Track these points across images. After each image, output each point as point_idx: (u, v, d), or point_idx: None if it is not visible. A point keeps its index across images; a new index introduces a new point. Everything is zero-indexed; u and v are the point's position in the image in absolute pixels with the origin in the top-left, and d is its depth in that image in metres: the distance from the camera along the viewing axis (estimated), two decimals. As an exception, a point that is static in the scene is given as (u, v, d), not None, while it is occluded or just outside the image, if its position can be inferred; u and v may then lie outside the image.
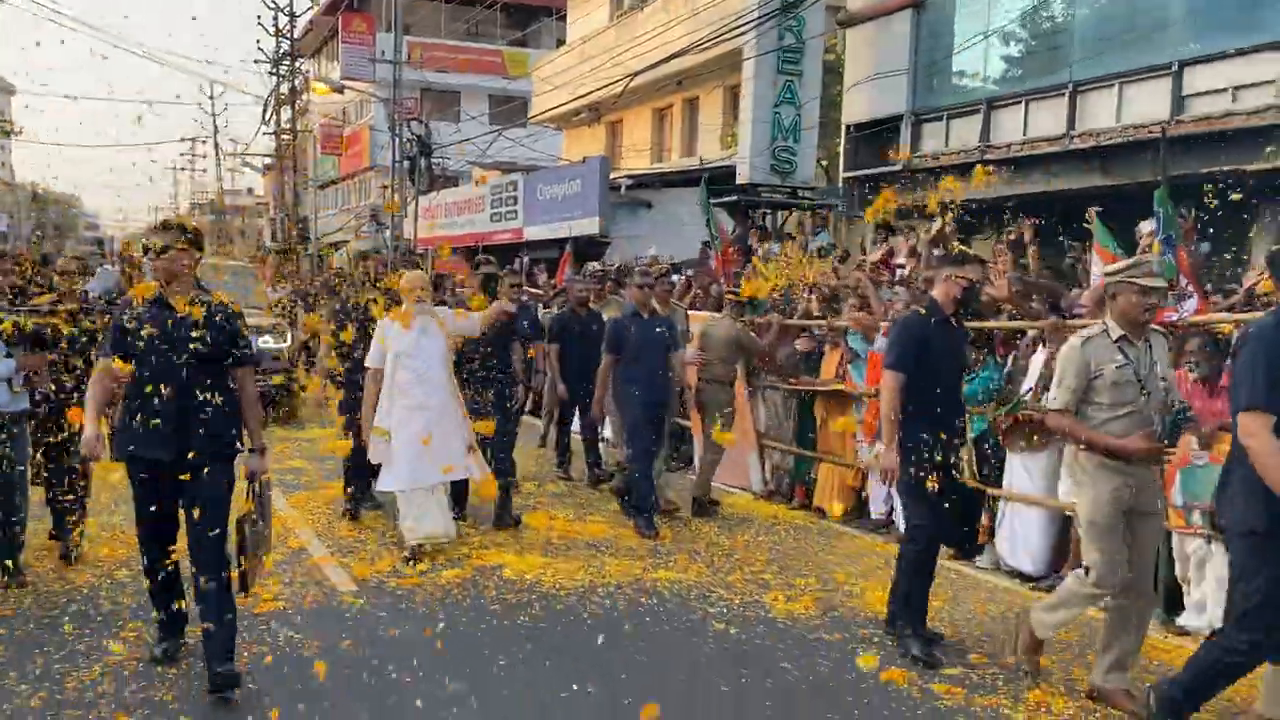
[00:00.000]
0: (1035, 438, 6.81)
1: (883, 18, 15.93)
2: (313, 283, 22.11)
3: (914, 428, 5.12)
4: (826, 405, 8.63)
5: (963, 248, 7.15)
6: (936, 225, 7.74)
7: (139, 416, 4.45)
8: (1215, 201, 6.77)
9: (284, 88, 37.68)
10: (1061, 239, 9.52)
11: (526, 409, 10.14)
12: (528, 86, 31.88)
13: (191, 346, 4.46)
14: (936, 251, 8.12)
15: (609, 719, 4.41)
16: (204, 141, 55.12)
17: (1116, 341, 4.60)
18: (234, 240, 47.22)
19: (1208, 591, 5.71)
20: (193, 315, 4.51)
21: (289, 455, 10.17)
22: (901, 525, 6.80)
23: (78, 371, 6.16)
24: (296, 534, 7.24)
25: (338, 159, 44.77)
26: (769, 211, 19.57)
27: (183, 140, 69.64)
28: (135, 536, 4.77)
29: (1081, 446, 4.67)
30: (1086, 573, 4.62)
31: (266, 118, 39.72)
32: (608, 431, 9.84)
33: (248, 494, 4.73)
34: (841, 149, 17.28)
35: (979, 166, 6.49)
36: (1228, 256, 8.52)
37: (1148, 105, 11.77)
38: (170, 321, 4.48)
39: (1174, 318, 5.87)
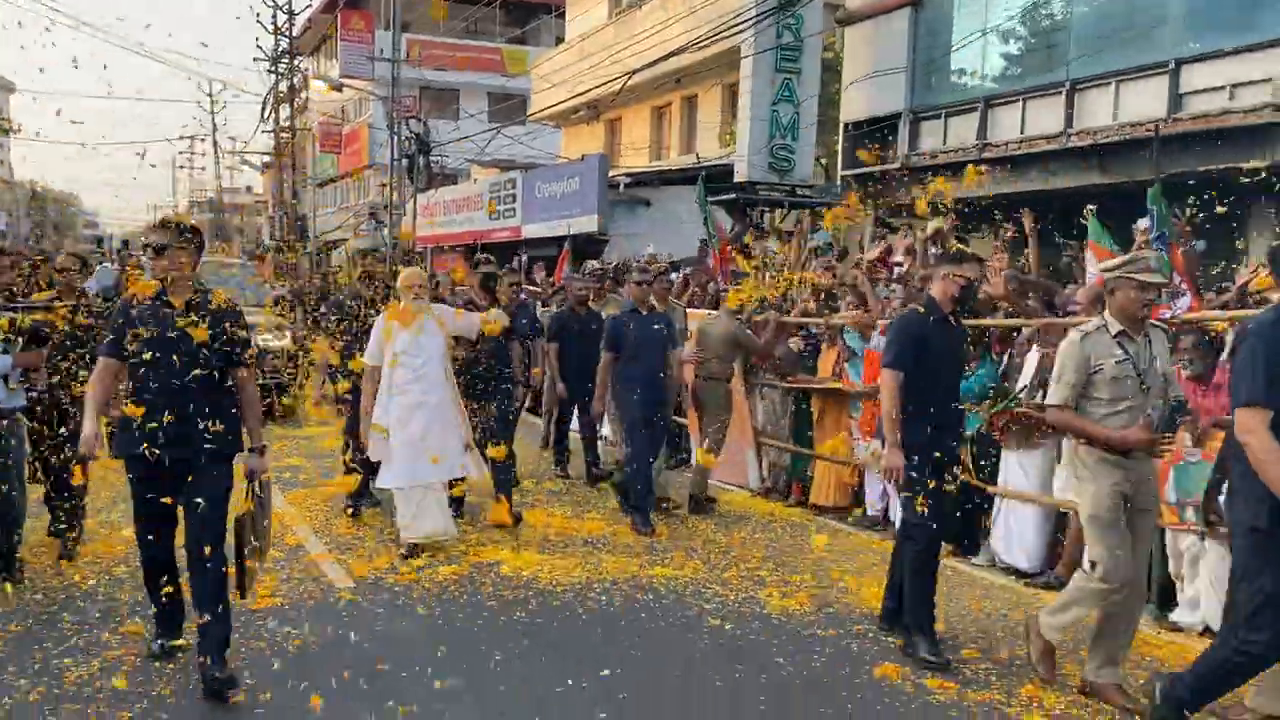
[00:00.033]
0: (1031, 435, 6.84)
1: (881, 16, 15.98)
2: (310, 280, 22.14)
3: (913, 426, 5.11)
4: (823, 403, 8.66)
5: (960, 246, 7.19)
6: (934, 224, 7.75)
7: (139, 414, 4.44)
8: (1212, 199, 6.80)
9: (283, 86, 37.69)
10: (1058, 238, 9.55)
11: (526, 406, 10.17)
12: (527, 84, 31.89)
13: (191, 345, 4.45)
14: (934, 250, 8.15)
15: (604, 713, 4.43)
16: (203, 139, 55.11)
17: (1116, 337, 4.62)
18: (233, 238, 47.27)
19: (1201, 588, 5.75)
20: (193, 313, 4.50)
21: (287, 453, 10.19)
22: (898, 522, 6.84)
23: (69, 368, 6.16)
24: (294, 531, 7.27)
25: (336, 157, 44.81)
26: (766, 210, 19.59)
27: (182, 138, 69.60)
28: (133, 534, 4.77)
29: (1082, 441, 4.68)
30: (1092, 568, 4.62)
31: (265, 116, 39.78)
32: (606, 430, 9.86)
33: (247, 493, 4.72)
34: (840, 147, 17.30)
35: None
36: (1225, 255, 8.55)
37: (1145, 104, 11.82)
38: (170, 320, 4.48)
39: (1167, 315, 5.89)
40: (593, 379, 8.25)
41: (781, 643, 5.34)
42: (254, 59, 38.09)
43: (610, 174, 21.55)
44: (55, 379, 6.12)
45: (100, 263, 16.28)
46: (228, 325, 4.58)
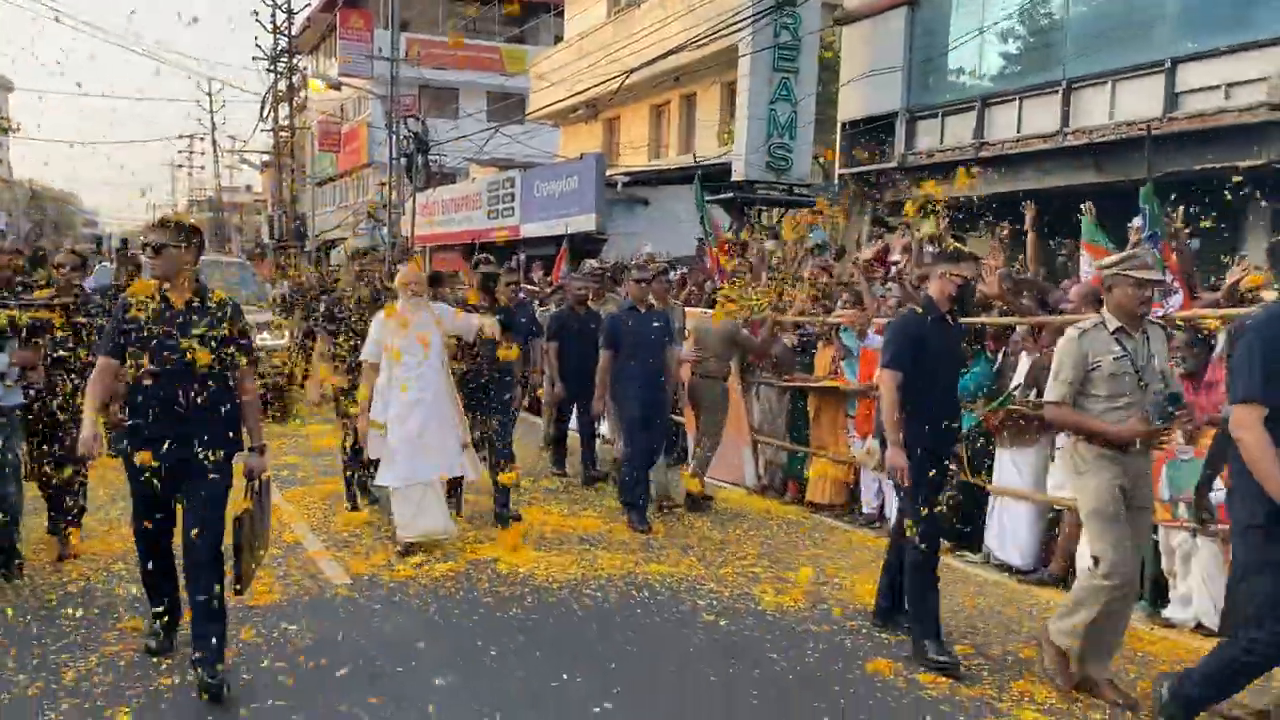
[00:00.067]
0: (1025, 433, 6.88)
1: (878, 15, 16.00)
2: (309, 278, 22.16)
3: (912, 426, 5.11)
4: (819, 401, 8.69)
5: (957, 245, 7.21)
6: (927, 226, 7.79)
7: (138, 413, 4.45)
8: (1208, 198, 6.83)
9: (282, 84, 37.71)
10: (1054, 237, 9.59)
11: (525, 406, 10.16)
12: (526, 83, 31.91)
13: (191, 343, 4.45)
14: (930, 249, 8.18)
15: (599, 708, 4.46)
16: (202, 138, 55.09)
17: (1114, 334, 4.64)
18: (232, 237, 47.27)
19: (1193, 585, 5.79)
20: (193, 312, 4.51)
21: (285, 451, 10.22)
22: (893, 520, 6.87)
23: (65, 365, 6.18)
24: (292, 528, 7.30)
25: (335, 156, 44.78)
26: (764, 208, 19.63)
27: (181, 137, 69.61)
28: (132, 531, 4.77)
29: (1081, 438, 4.70)
30: (1096, 564, 4.60)
31: (264, 114, 39.80)
32: (604, 429, 9.86)
33: (246, 492, 4.73)
34: (837, 146, 17.34)
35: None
36: (1221, 254, 8.57)
37: (1140, 103, 11.84)
38: (170, 318, 4.48)
39: (1160, 314, 5.92)
40: (592, 378, 8.25)
41: (775, 638, 5.37)
42: (253, 58, 38.13)
43: (608, 173, 21.58)
44: (52, 375, 6.13)
45: (100, 262, 16.29)
46: (228, 324, 4.58)
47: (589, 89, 22.70)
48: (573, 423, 9.96)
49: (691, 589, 6.19)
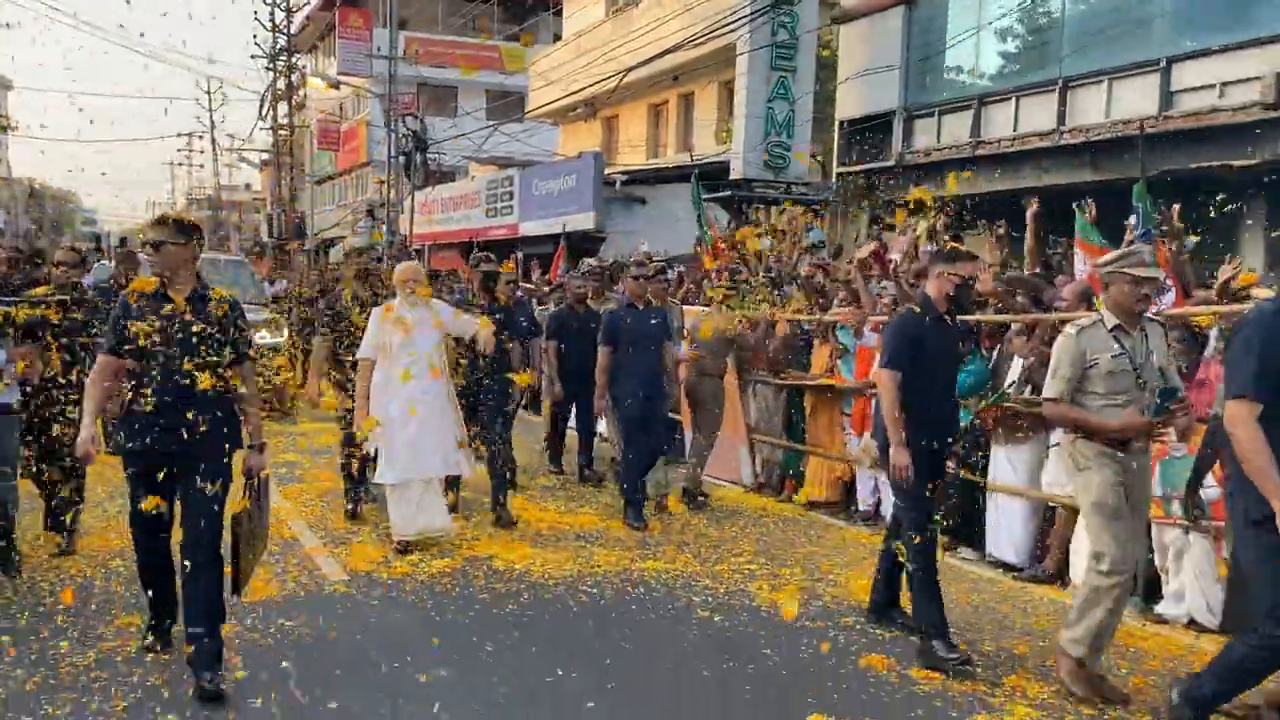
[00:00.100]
0: (1019, 430, 6.91)
1: (876, 14, 16.03)
2: (308, 276, 22.18)
3: (910, 425, 5.10)
4: (816, 399, 8.72)
5: (955, 244, 7.24)
6: (922, 226, 7.82)
7: (137, 410, 4.44)
8: (1203, 197, 6.86)
9: (281, 83, 37.72)
10: (1051, 234, 9.61)
11: (523, 404, 10.18)
12: (525, 82, 31.93)
13: (191, 341, 4.45)
14: (928, 247, 8.20)
15: (593, 703, 4.49)
16: (201, 137, 55.06)
17: (1112, 331, 4.65)
18: (231, 235, 47.27)
19: (1185, 581, 5.82)
20: (193, 309, 4.51)
21: (283, 449, 10.24)
22: (889, 517, 6.89)
23: (63, 359, 6.20)
24: (290, 525, 7.33)
25: (335, 154, 44.81)
26: (760, 207, 19.64)
27: (180, 135, 69.55)
28: (129, 528, 4.73)
29: (1080, 435, 4.70)
30: (1098, 559, 4.59)
31: (263, 113, 39.79)
32: (601, 426, 9.88)
33: (245, 490, 4.73)
34: (835, 144, 17.37)
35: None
36: (1218, 252, 8.60)
37: (1136, 101, 11.88)
38: (170, 315, 4.47)
39: (1152, 311, 5.95)
40: (591, 377, 8.24)
41: (769, 634, 5.40)
42: (251, 56, 38.14)
43: (606, 171, 21.61)
44: (49, 374, 6.15)
45: (99, 260, 16.33)
46: (228, 321, 4.58)
47: (586, 88, 22.72)
48: (572, 421, 9.97)
49: (687, 585, 6.22)
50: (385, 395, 6.81)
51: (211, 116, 50.21)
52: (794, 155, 18.59)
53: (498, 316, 7.79)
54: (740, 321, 9.12)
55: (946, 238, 8.38)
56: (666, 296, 9.22)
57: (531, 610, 5.69)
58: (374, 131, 36.42)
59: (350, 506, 7.64)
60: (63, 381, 6.25)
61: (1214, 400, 5.07)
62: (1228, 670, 4.00)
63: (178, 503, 4.55)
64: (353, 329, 7.59)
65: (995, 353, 7.32)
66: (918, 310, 5.30)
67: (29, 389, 6.01)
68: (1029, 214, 8.02)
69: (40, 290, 6.50)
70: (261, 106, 39.57)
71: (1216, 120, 10.90)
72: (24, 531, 6.47)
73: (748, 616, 5.69)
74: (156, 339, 4.43)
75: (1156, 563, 5.95)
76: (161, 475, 4.49)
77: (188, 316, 4.49)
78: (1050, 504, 6.73)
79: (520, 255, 18.44)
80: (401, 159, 27.42)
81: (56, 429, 6.24)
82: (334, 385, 7.96)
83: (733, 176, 19.04)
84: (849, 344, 8.37)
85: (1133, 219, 7.17)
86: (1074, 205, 7.27)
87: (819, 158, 21.53)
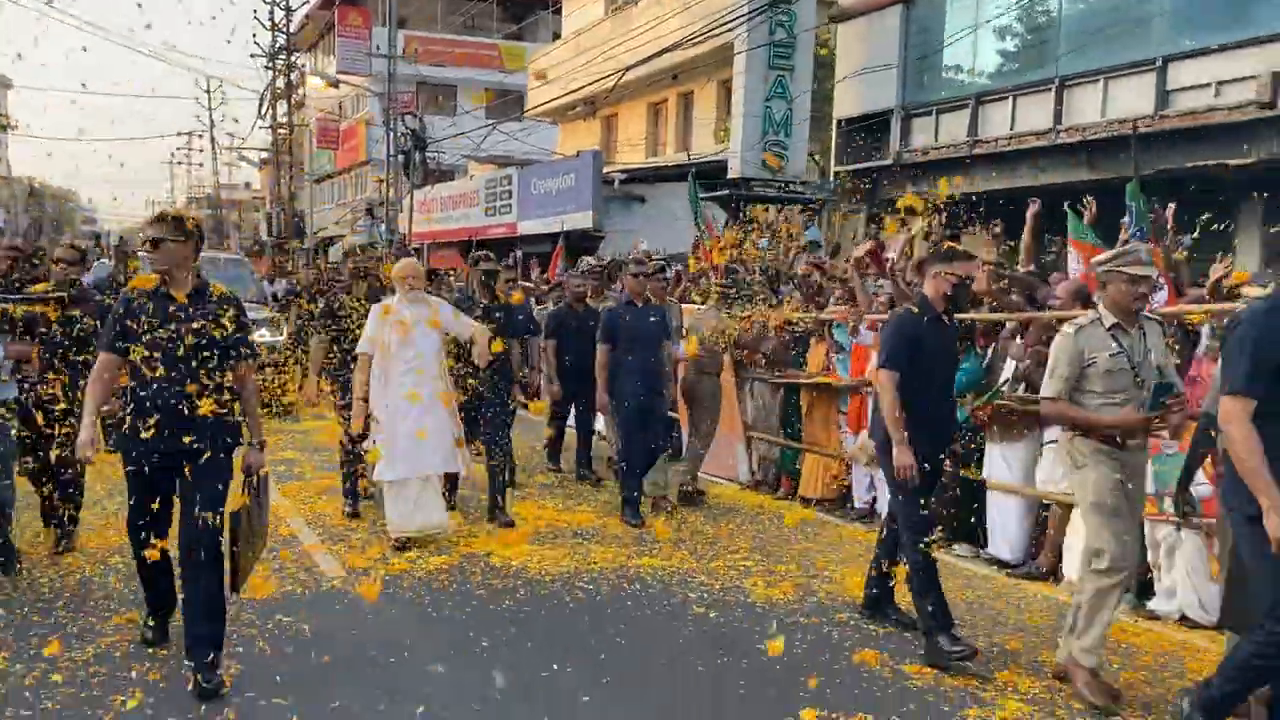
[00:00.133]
0: (1014, 428, 6.95)
1: (873, 12, 16.07)
2: (307, 275, 22.22)
3: (908, 425, 5.10)
4: (812, 397, 8.76)
5: (952, 244, 7.27)
6: (917, 227, 7.84)
7: (138, 408, 4.44)
8: (1198, 195, 6.90)
9: (280, 82, 37.72)
10: (1047, 233, 9.65)
11: (523, 403, 10.16)
12: (524, 80, 31.97)
13: (192, 338, 4.44)
14: (925, 245, 8.22)
15: (588, 697, 4.53)
16: (200, 135, 55.06)
17: (1110, 330, 4.66)
18: (230, 234, 47.25)
19: (1177, 578, 5.86)
20: (193, 306, 4.51)
21: (282, 447, 10.27)
22: (884, 514, 6.92)
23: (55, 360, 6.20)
24: (288, 522, 7.36)
25: (334, 153, 44.84)
26: (758, 205, 19.69)
27: (179, 134, 69.58)
28: (127, 525, 4.73)
29: (1078, 432, 4.72)
30: (1097, 557, 4.59)
31: (263, 112, 39.78)
32: (600, 424, 9.90)
33: (244, 488, 4.73)
34: (833, 143, 17.41)
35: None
36: (1214, 250, 8.64)
37: (1132, 100, 11.92)
38: (171, 312, 4.47)
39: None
40: (590, 376, 8.25)
41: (764, 630, 5.42)
42: (251, 55, 38.13)
43: (605, 170, 21.64)
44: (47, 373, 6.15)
45: (99, 259, 16.37)
46: (228, 318, 4.58)
47: (584, 87, 22.76)
48: (571, 419, 9.98)
49: (683, 582, 6.26)
50: (385, 393, 6.83)
51: (211, 115, 50.23)
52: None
53: (497, 315, 7.82)
54: (740, 319, 9.15)
55: (944, 235, 8.40)
56: (665, 295, 9.26)
57: (528, 606, 5.72)
58: (373, 130, 36.47)
59: (349, 508, 7.67)
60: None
61: (1205, 398, 5.09)
62: (1236, 671, 3.96)
63: (177, 500, 4.55)
64: (352, 327, 7.61)
65: (990, 351, 7.35)
66: (915, 310, 5.31)
67: (27, 385, 6.02)
68: (1029, 213, 8.05)
69: (39, 287, 6.50)
70: (261, 105, 39.59)
71: (1212, 119, 10.95)
72: (22, 529, 6.51)
73: (742, 612, 5.72)
74: (157, 335, 4.43)
75: (1149, 559, 5.98)
76: (161, 473, 4.49)
77: (189, 313, 4.49)
78: (1044, 501, 6.77)
79: (519, 254, 18.51)
80: (400, 158, 27.45)
81: (55, 451, 6.19)
82: (332, 382, 7.97)
83: (730, 175, 19.08)
84: (845, 342, 8.40)
85: (1126, 218, 7.21)
86: (1066, 205, 7.29)
87: (817, 157, 21.58)
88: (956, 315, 5.58)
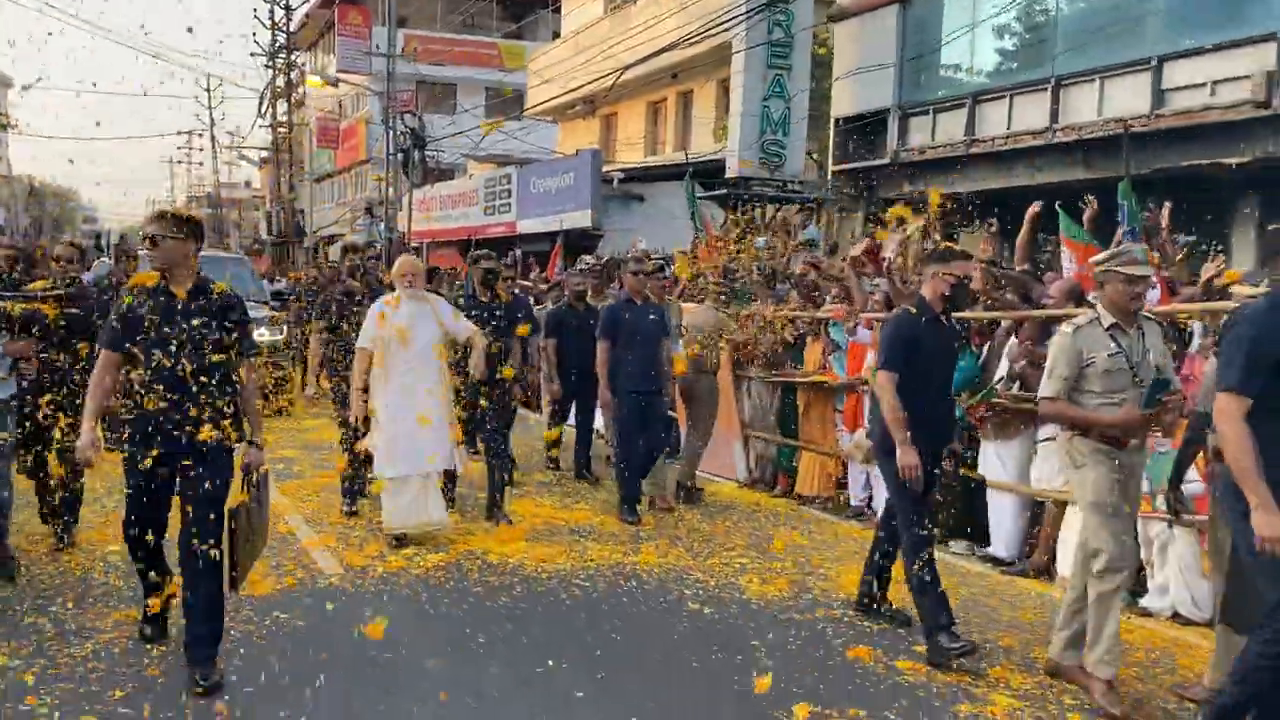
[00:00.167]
0: (1008, 426, 6.99)
1: (871, 12, 16.10)
2: (307, 273, 22.26)
3: (908, 425, 5.10)
4: (808, 396, 8.80)
5: (949, 244, 7.30)
6: (912, 228, 7.88)
7: (138, 405, 4.45)
8: (1194, 195, 6.93)
9: (280, 81, 37.77)
10: (1042, 232, 9.68)
11: (523, 401, 10.19)
12: (524, 79, 31.99)
13: (193, 335, 4.45)
14: (920, 244, 8.25)
15: (582, 692, 4.56)
16: (201, 134, 55.11)
17: (1108, 330, 4.66)
18: (230, 233, 47.31)
19: (1170, 575, 5.90)
20: (194, 303, 4.51)
21: (281, 445, 10.29)
22: (880, 512, 6.96)
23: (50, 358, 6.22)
24: (286, 520, 7.39)
25: (334, 152, 44.85)
26: (757, 205, 19.71)
27: (180, 133, 69.57)
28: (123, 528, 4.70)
29: (1077, 432, 4.73)
30: (1095, 557, 4.60)
31: (263, 111, 39.85)
32: (599, 423, 9.92)
33: (244, 486, 4.73)
34: (830, 142, 17.44)
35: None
36: (1209, 249, 8.68)
37: (1128, 100, 11.95)
38: (172, 309, 4.47)
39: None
40: (591, 375, 8.28)
41: (758, 626, 5.48)
42: (251, 54, 38.20)
43: (604, 169, 21.67)
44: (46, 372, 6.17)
45: (99, 257, 16.41)
46: (229, 316, 4.58)
47: (583, 86, 22.78)
48: (571, 418, 9.99)
49: (679, 579, 6.29)
50: (385, 391, 6.85)
51: (211, 114, 50.26)
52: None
53: (498, 313, 7.85)
54: (738, 318, 9.19)
55: (938, 237, 8.44)
56: (663, 294, 9.28)
57: (524, 603, 5.76)
58: (373, 129, 36.48)
59: (346, 506, 7.70)
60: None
61: (1197, 395, 5.13)
62: (1244, 675, 3.91)
63: (177, 498, 4.56)
64: (350, 325, 7.65)
65: (985, 349, 7.39)
66: (913, 311, 5.33)
67: (25, 383, 6.04)
68: (1029, 214, 8.08)
69: (38, 285, 6.52)
70: (261, 104, 39.64)
71: (1208, 119, 10.97)
72: (21, 526, 6.54)
73: (737, 609, 5.76)
74: (158, 332, 4.43)
75: (1142, 556, 6.02)
76: (161, 471, 4.49)
77: (189, 310, 4.49)
78: (1039, 499, 6.81)
79: (519, 253, 18.53)
80: (400, 156, 27.48)
81: (54, 449, 6.23)
82: (331, 378, 8.01)
83: (728, 174, 19.10)
84: (841, 341, 8.43)
85: (1119, 216, 7.25)
86: (1057, 205, 7.32)
87: (815, 155, 21.61)
88: (956, 313, 5.60)
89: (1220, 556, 4.64)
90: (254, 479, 4.77)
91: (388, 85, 27.84)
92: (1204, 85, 11.12)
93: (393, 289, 7.25)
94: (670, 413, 9.51)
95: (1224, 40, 10.94)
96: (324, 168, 46.82)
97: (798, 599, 5.98)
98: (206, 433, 4.47)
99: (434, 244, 28.37)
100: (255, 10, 37.66)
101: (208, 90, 49.89)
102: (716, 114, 21.98)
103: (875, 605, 5.69)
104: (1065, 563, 6.21)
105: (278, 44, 37.93)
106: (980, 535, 7.26)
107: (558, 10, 30.15)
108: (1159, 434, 5.59)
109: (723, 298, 9.40)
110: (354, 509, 7.65)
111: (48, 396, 6.16)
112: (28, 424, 6.15)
